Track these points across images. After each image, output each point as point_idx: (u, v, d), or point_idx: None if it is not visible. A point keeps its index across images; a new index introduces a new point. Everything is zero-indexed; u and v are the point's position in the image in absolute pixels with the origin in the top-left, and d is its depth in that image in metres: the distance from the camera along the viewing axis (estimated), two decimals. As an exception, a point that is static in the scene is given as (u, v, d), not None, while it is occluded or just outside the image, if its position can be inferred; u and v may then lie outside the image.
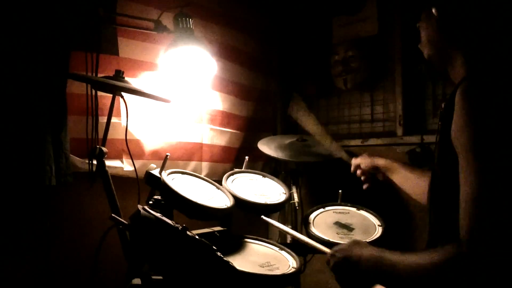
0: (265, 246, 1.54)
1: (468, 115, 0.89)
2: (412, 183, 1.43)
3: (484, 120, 0.88)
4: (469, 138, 0.88)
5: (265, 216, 1.52)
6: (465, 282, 0.83)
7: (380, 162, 1.55)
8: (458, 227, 0.87)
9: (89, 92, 1.64)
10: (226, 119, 2.27)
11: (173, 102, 1.73)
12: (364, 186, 1.64)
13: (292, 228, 1.73)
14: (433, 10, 1.07)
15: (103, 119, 1.60)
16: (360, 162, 1.62)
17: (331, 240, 1.55)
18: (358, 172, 1.65)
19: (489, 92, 0.90)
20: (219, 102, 2.24)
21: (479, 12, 1.02)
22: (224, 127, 2.26)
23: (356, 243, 1.14)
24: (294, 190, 1.90)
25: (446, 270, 0.85)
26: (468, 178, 0.86)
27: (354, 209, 1.76)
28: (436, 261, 0.86)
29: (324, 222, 1.68)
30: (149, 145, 1.90)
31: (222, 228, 1.52)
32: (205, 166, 2.14)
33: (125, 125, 1.56)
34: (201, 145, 2.13)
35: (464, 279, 0.82)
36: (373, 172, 1.60)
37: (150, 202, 1.34)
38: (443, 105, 1.01)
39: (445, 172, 1.02)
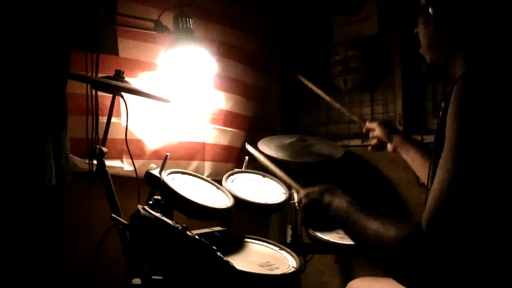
0: (265, 246, 1.54)
1: (457, 109, 0.89)
2: (419, 164, 1.42)
3: (471, 113, 0.87)
4: (454, 130, 0.87)
5: (266, 216, 1.51)
6: (414, 265, 0.82)
7: (396, 138, 1.51)
8: None
9: (89, 92, 1.64)
10: (229, 118, 2.27)
11: (173, 102, 1.73)
12: (369, 148, 1.61)
13: (292, 228, 1.73)
14: (430, 10, 1.06)
15: (103, 119, 1.60)
16: (375, 128, 1.57)
17: (331, 240, 1.55)
18: (370, 134, 1.61)
19: (482, 88, 0.90)
20: (222, 101, 2.24)
21: (476, 10, 1.02)
22: (227, 127, 2.26)
23: (328, 189, 1.17)
24: (294, 190, 1.90)
25: (400, 246, 0.84)
26: (444, 164, 0.85)
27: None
28: (394, 235, 0.86)
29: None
30: (149, 145, 1.90)
31: (222, 228, 1.52)
32: (207, 165, 2.14)
33: (125, 125, 1.56)
34: (203, 145, 2.13)
35: (414, 261, 0.82)
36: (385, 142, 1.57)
37: (150, 202, 1.34)
38: (442, 105, 1.01)
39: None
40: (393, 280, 0.95)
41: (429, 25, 1.09)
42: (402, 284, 0.87)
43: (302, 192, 1.24)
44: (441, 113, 0.99)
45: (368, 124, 1.61)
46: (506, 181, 0.82)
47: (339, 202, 1.09)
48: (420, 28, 1.14)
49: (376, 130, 1.56)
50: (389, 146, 1.53)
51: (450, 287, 0.82)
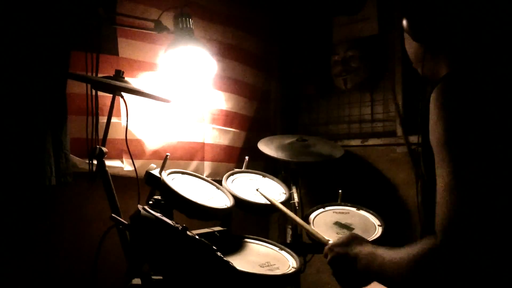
0: (265, 246, 1.54)
1: (439, 110, 0.89)
2: None
3: (455, 113, 0.87)
4: (440, 132, 0.87)
5: (266, 216, 1.51)
6: (442, 276, 0.82)
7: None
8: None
9: (89, 92, 1.64)
10: (230, 118, 2.27)
11: (173, 102, 1.73)
12: None
13: (292, 228, 1.73)
14: (406, 28, 1.08)
15: (103, 119, 1.60)
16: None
17: (331, 240, 1.54)
18: None
19: (461, 88, 0.90)
20: (222, 101, 2.24)
21: (448, 17, 1.03)
22: (227, 127, 2.26)
23: (354, 237, 1.11)
24: (294, 190, 1.90)
25: (423, 263, 0.84)
26: (441, 172, 0.85)
27: (354, 209, 1.76)
28: (414, 254, 0.86)
29: (324, 222, 1.68)
30: (149, 145, 1.90)
31: (222, 228, 1.52)
32: (207, 165, 2.14)
33: (125, 125, 1.56)
34: (203, 145, 2.13)
35: (440, 272, 0.81)
36: None
37: (150, 202, 1.34)
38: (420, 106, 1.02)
39: (429, 174, 1.03)
40: None
41: (411, 43, 1.11)
42: None
43: (327, 247, 1.17)
44: (420, 115, 0.99)
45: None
46: (503, 172, 0.82)
47: (368, 249, 1.03)
48: (406, 47, 1.17)
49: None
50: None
51: None
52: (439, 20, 1.03)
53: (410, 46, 1.14)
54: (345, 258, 1.08)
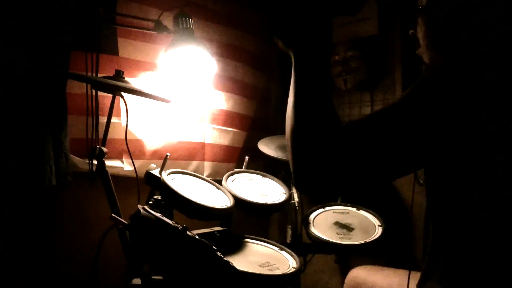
0: (265, 246, 1.54)
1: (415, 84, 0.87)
2: None
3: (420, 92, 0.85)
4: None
5: (266, 216, 1.51)
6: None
7: None
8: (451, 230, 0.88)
9: (89, 92, 1.64)
10: (230, 118, 2.27)
11: (173, 102, 1.73)
12: None
13: (292, 228, 1.73)
14: (426, 5, 1.07)
15: (103, 119, 1.60)
16: None
17: (331, 240, 1.55)
18: None
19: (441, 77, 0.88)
20: (222, 101, 2.24)
21: (476, 10, 1.02)
22: (227, 127, 2.26)
23: None
24: (294, 190, 1.90)
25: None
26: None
27: (354, 209, 1.76)
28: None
29: (324, 222, 1.68)
30: (149, 145, 1.90)
31: (222, 228, 1.52)
32: (207, 165, 2.14)
33: (125, 125, 1.56)
34: (203, 145, 2.13)
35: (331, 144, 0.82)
36: None
37: (150, 202, 1.34)
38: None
39: (428, 173, 1.03)
40: (394, 269, 0.94)
41: (427, 26, 1.10)
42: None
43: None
44: None
45: None
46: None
47: None
48: (419, 29, 1.15)
49: None
50: None
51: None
52: (465, 9, 1.02)
53: (425, 29, 1.10)
54: None
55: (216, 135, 2.19)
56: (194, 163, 2.09)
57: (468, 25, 1.03)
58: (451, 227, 0.93)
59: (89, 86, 1.63)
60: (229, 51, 2.26)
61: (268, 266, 1.36)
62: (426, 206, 1.09)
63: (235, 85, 2.30)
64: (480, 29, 1.01)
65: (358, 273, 1.48)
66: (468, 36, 1.02)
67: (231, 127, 2.28)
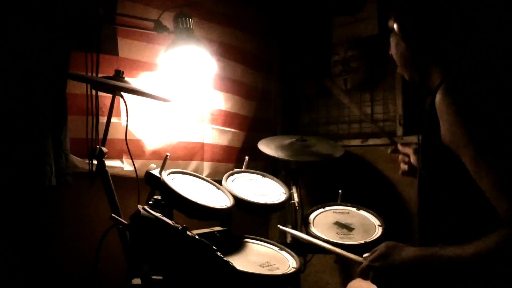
0: (265, 246, 1.54)
1: (454, 113, 0.92)
2: None
3: (471, 112, 0.92)
4: (463, 133, 0.91)
5: (266, 216, 1.51)
6: None
7: None
8: (451, 228, 0.91)
9: (89, 92, 1.64)
10: (229, 118, 2.27)
11: (173, 102, 1.73)
12: (400, 173, 1.44)
13: (292, 228, 1.73)
14: (397, 32, 1.08)
15: (103, 119, 1.60)
16: (411, 155, 1.38)
17: (331, 240, 1.55)
18: (401, 158, 1.43)
19: (467, 88, 0.95)
20: (221, 101, 2.24)
21: (441, 24, 1.05)
22: (226, 127, 2.26)
23: (390, 246, 1.06)
24: (294, 190, 1.90)
25: (504, 251, 0.86)
26: (480, 170, 0.89)
27: (354, 209, 1.76)
28: (493, 246, 0.87)
29: (324, 222, 1.68)
30: (149, 145, 1.90)
31: (222, 228, 1.52)
32: (206, 166, 2.14)
33: (125, 125, 1.56)
34: (202, 145, 2.13)
35: None
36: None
37: (150, 202, 1.34)
38: (423, 112, 1.05)
39: (431, 175, 1.04)
40: None
41: (400, 46, 1.12)
42: None
43: (364, 264, 1.10)
44: (424, 121, 1.02)
45: (402, 149, 1.43)
46: None
47: (412, 253, 1.01)
48: (392, 50, 1.17)
49: (411, 157, 1.39)
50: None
51: None
52: (433, 25, 1.05)
53: (397, 51, 1.14)
54: (390, 268, 1.03)
55: (215, 135, 2.19)
56: (194, 163, 2.09)
57: (435, 41, 1.06)
58: (443, 224, 0.97)
59: (89, 86, 1.63)
60: (229, 52, 2.26)
61: (268, 266, 1.36)
62: (418, 203, 1.10)
63: (234, 85, 2.30)
64: (449, 44, 1.07)
65: (358, 285, 1.46)
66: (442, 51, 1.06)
67: (230, 128, 2.28)
